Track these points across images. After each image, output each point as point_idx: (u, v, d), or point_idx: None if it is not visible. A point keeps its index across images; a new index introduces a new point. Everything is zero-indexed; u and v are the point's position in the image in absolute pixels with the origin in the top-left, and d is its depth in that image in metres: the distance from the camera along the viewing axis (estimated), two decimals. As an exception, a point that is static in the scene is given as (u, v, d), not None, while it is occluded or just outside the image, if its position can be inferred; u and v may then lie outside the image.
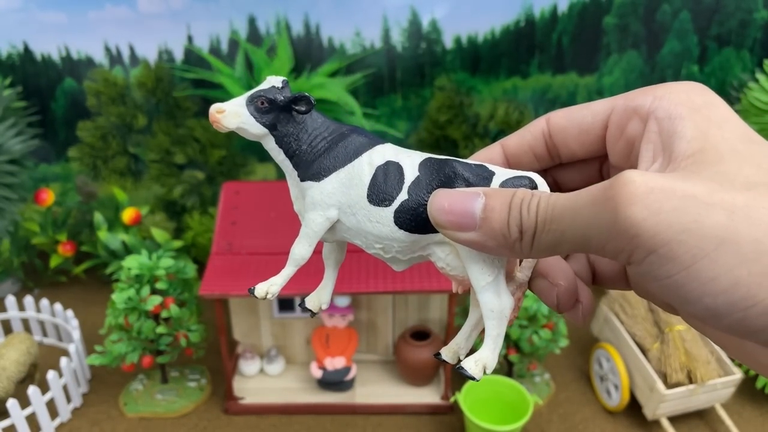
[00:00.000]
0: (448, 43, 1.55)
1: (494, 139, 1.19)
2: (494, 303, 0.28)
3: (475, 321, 0.31)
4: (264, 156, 1.63)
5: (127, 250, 1.39)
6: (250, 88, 1.46)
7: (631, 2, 1.50)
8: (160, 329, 1.08)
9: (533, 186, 0.29)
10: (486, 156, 0.33)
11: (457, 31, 1.54)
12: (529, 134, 0.32)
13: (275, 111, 0.30)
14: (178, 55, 1.51)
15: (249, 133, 0.31)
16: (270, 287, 0.32)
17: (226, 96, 1.48)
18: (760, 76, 1.38)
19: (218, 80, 1.39)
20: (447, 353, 0.32)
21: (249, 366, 1.21)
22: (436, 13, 1.51)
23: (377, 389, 1.20)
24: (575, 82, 1.58)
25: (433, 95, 1.54)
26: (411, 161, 0.30)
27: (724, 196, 0.22)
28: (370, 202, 0.29)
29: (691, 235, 0.22)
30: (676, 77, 1.57)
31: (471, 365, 0.27)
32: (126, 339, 1.10)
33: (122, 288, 1.08)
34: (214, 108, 0.31)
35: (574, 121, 0.31)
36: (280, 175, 1.65)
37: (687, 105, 0.26)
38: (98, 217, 1.41)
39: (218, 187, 1.43)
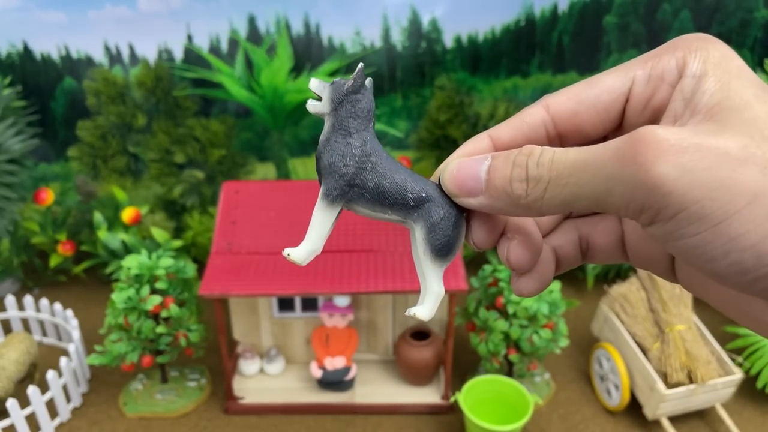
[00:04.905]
0: (449, 42, 1.55)
1: None
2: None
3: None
4: (264, 155, 1.63)
5: (127, 249, 1.39)
6: (249, 87, 1.46)
7: (631, 1, 1.49)
8: (160, 329, 1.08)
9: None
10: (474, 152, 0.31)
11: (458, 31, 1.54)
12: (526, 126, 0.29)
13: None
14: (178, 54, 1.50)
15: None
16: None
17: (225, 95, 1.48)
18: (761, 75, 1.37)
19: (218, 79, 1.39)
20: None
21: (249, 366, 1.21)
22: (436, 12, 1.51)
23: (377, 389, 1.20)
24: (576, 82, 1.58)
25: (433, 94, 1.53)
26: None
27: (756, 150, 0.22)
28: None
29: (724, 192, 0.22)
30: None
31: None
32: (126, 339, 1.10)
33: (122, 288, 1.08)
34: None
35: (586, 104, 0.29)
36: (281, 175, 1.64)
37: (708, 60, 0.25)
38: (98, 216, 1.41)
39: (218, 186, 1.43)
